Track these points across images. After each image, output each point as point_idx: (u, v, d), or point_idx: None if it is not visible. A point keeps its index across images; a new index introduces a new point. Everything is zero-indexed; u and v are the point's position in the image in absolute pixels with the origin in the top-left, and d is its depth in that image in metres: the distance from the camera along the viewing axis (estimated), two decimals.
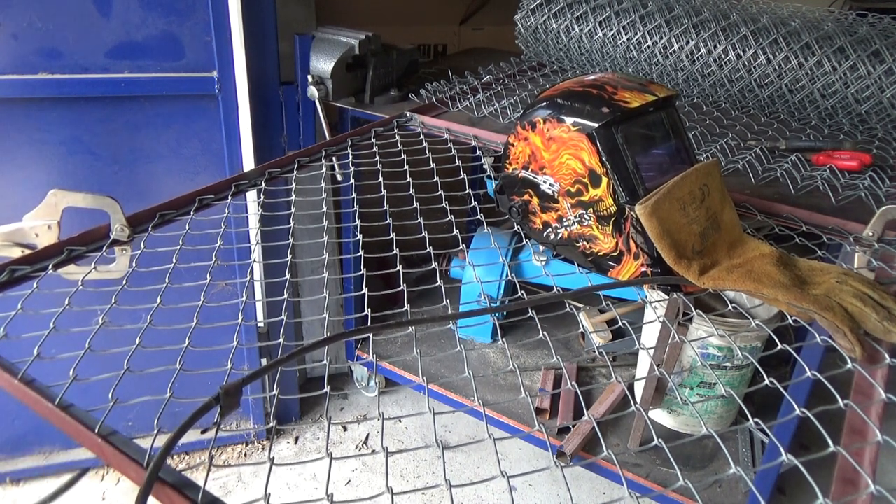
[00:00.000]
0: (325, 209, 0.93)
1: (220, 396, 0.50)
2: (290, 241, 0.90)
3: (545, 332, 0.68)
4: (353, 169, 1.44)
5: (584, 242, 0.81)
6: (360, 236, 0.87)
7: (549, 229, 0.84)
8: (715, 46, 1.37)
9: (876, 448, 0.51)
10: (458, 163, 1.06)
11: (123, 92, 1.29)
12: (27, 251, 0.72)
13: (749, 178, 1.07)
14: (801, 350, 0.86)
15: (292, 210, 0.91)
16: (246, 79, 1.35)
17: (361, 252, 0.84)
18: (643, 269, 0.76)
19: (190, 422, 0.48)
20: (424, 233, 0.87)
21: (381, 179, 0.98)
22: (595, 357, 1.79)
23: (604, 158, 0.74)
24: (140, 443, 0.49)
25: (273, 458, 0.52)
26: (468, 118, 1.31)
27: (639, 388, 1.54)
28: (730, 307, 0.75)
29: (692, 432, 1.52)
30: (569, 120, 0.76)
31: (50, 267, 0.71)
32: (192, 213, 0.85)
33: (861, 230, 0.85)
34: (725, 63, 1.37)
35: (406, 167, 1.02)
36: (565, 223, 0.82)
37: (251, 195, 1.27)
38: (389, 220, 0.89)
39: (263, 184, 0.97)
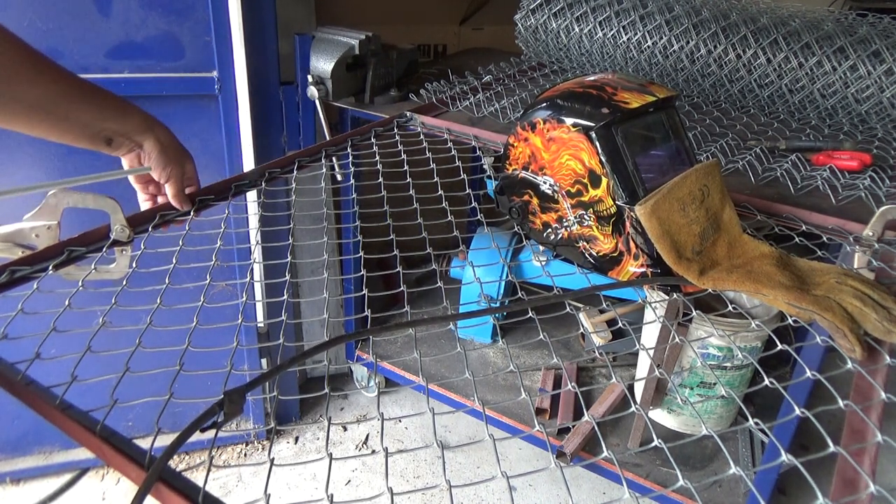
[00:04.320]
0: (325, 209, 0.93)
1: (224, 402, 0.50)
2: (290, 241, 0.90)
3: (545, 333, 0.68)
4: (353, 169, 1.45)
5: (584, 243, 0.81)
6: (360, 237, 0.87)
7: (549, 230, 0.84)
8: (715, 46, 1.37)
9: (876, 448, 0.51)
10: (458, 163, 1.06)
11: (123, 92, 1.29)
12: (27, 252, 0.72)
13: (749, 178, 1.07)
14: (801, 350, 0.86)
15: (292, 210, 0.91)
16: (246, 79, 1.35)
17: (361, 253, 0.83)
18: (643, 269, 0.76)
19: (192, 428, 0.48)
20: (424, 233, 0.87)
21: (381, 179, 0.98)
22: (595, 357, 1.79)
23: (603, 159, 0.74)
24: (140, 443, 0.49)
25: (273, 458, 0.52)
26: (468, 118, 1.31)
27: (639, 388, 1.54)
28: (730, 307, 0.75)
29: (692, 432, 1.52)
30: (569, 120, 0.76)
31: (50, 268, 0.71)
32: (192, 213, 0.85)
33: (861, 230, 0.85)
34: (725, 63, 1.37)
35: (406, 167, 1.02)
36: (565, 223, 0.82)
37: (251, 195, 1.27)
38: (389, 220, 0.89)
39: (263, 184, 0.96)
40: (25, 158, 1.30)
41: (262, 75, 1.40)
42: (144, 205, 0.85)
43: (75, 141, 0.71)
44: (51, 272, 0.71)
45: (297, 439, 1.82)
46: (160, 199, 0.85)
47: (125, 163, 0.79)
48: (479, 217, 0.95)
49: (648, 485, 1.41)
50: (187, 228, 0.82)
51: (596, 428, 0.84)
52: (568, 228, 0.82)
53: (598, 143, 0.74)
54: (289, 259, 0.86)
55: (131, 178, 0.81)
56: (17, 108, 0.65)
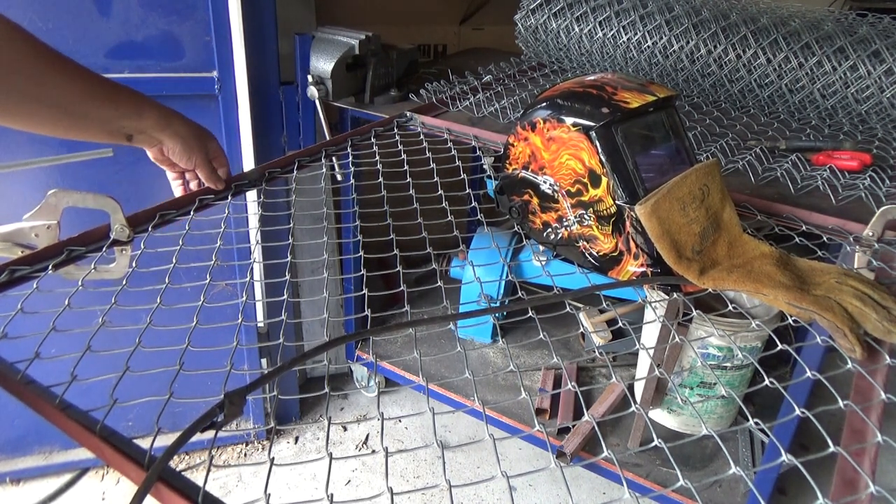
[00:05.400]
0: (325, 209, 0.93)
1: (225, 404, 0.50)
2: (290, 241, 0.90)
3: (545, 333, 0.68)
4: (353, 169, 1.44)
5: (584, 242, 0.81)
6: (360, 236, 0.87)
7: (549, 229, 0.84)
8: (715, 46, 1.37)
9: (876, 448, 0.51)
10: (458, 163, 1.06)
11: None
12: (27, 251, 0.72)
13: (749, 178, 1.07)
14: (801, 350, 0.86)
15: (292, 210, 0.91)
16: (246, 79, 1.35)
17: (361, 252, 0.83)
18: (643, 268, 0.76)
19: (192, 429, 0.48)
20: (424, 233, 0.87)
21: (381, 179, 0.98)
22: (595, 357, 1.79)
23: (603, 158, 0.74)
24: (140, 443, 0.49)
25: (273, 458, 0.52)
26: (468, 118, 1.31)
27: (639, 388, 1.54)
28: (730, 307, 0.75)
29: (692, 432, 1.52)
30: (569, 120, 0.76)
31: (50, 267, 0.71)
32: (192, 213, 0.85)
33: (861, 230, 0.85)
34: (725, 63, 1.37)
35: (406, 167, 1.02)
36: (565, 223, 0.82)
37: (251, 195, 1.27)
38: (389, 220, 0.89)
39: (263, 184, 0.96)
40: (25, 159, 1.30)
41: (262, 75, 1.40)
42: (174, 183, 0.87)
43: (95, 137, 0.72)
44: (50, 272, 0.71)
45: (297, 439, 1.82)
46: (188, 175, 0.87)
47: (150, 155, 0.81)
48: (479, 217, 0.95)
49: (648, 485, 1.41)
50: (187, 228, 0.82)
51: (596, 428, 0.84)
52: (568, 228, 0.82)
53: (598, 143, 0.74)
54: (289, 259, 0.86)
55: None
56: (38, 108, 0.65)
